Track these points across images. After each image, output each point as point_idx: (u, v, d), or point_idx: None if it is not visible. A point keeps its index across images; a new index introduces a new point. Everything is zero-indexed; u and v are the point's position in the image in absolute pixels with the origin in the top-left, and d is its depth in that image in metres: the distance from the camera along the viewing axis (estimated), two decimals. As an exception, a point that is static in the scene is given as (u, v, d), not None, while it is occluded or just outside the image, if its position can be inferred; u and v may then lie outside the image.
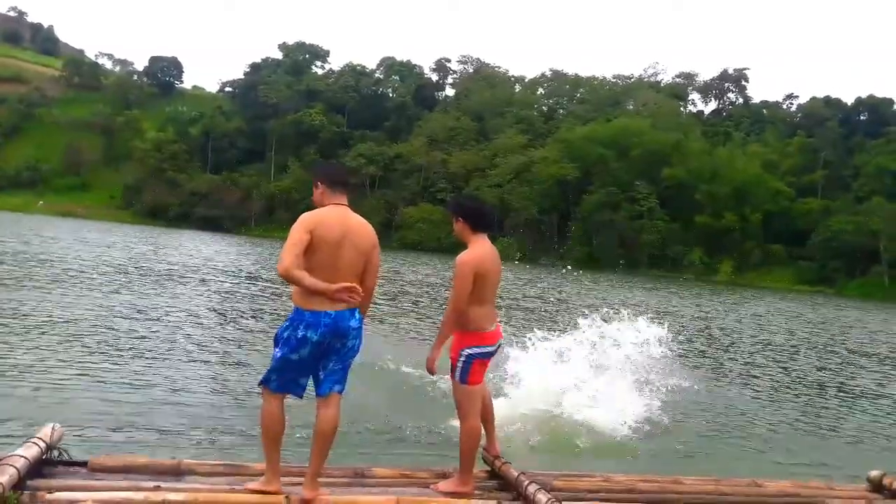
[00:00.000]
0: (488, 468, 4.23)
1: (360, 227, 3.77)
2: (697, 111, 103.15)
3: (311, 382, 3.80)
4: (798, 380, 12.45)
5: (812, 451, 7.32)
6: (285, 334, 3.69)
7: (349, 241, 3.68)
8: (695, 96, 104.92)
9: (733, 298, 39.18)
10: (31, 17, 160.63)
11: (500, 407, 6.23)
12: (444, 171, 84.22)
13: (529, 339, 7.69)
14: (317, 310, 3.61)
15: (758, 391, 10.80)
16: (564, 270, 46.44)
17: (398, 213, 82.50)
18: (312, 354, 3.66)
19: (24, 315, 10.61)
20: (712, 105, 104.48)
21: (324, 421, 3.68)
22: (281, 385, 3.73)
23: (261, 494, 3.60)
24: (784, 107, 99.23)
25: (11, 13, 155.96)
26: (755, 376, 12.24)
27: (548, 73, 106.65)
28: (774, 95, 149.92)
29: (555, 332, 7.92)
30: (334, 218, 3.71)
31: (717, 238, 73.07)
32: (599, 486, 4.02)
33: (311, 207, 3.82)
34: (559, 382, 7.09)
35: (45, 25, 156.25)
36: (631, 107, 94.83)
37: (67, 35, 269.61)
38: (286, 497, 3.58)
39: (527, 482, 3.74)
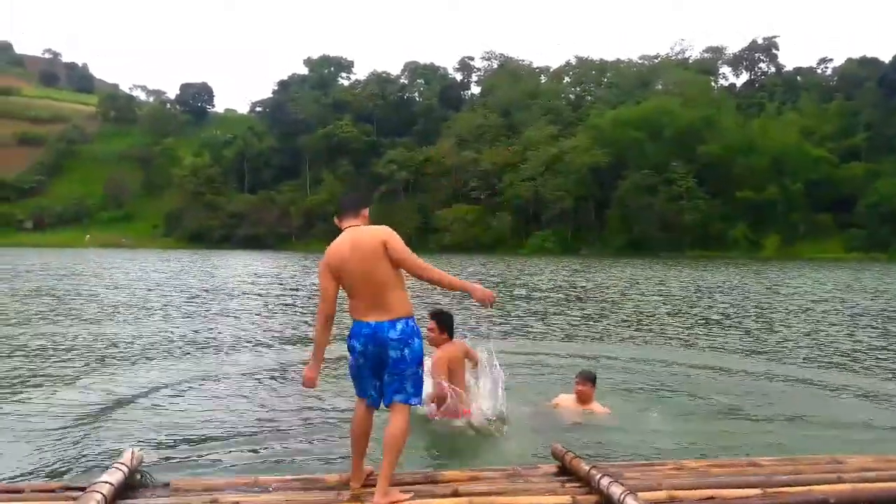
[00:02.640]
0: (558, 463, 4.22)
1: (362, 236, 3.89)
2: (729, 85, 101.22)
3: None
4: (867, 349, 12.05)
5: (892, 422, 7.02)
6: (347, 343, 3.95)
7: (357, 256, 3.83)
8: (725, 70, 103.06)
9: (781, 272, 38.28)
10: (66, 57, 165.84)
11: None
12: (475, 170, 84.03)
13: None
14: (359, 320, 3.85)
15: (824, 364, 10.50)
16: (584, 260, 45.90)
17: (433, 216, 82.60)
18: (367, 363, 3.86)
19: (95, 341, 10.97)
20: (744, 77, 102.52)
21: (388, 430, 3.82)
22: (359, 391, 4.00)
23: (337, 501, 3.73)
24: (819, 72, 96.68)
25: (47, 55, 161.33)
26: (820, 350, 11.91)
27: (572, 61, 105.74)
28: (807, 61, 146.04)
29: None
30: (339, 243, 3.92)
31: (760, 212, 71.46)
32: (671, 474, 3.98)
33: None
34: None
35: (80, 64, 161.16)
36: (660, 87, 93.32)
37: (102, 71, 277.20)
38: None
39: (599, 475, 3.72)
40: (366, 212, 4.07)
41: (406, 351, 3.82)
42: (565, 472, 4.09)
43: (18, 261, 42.36)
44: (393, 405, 3.86)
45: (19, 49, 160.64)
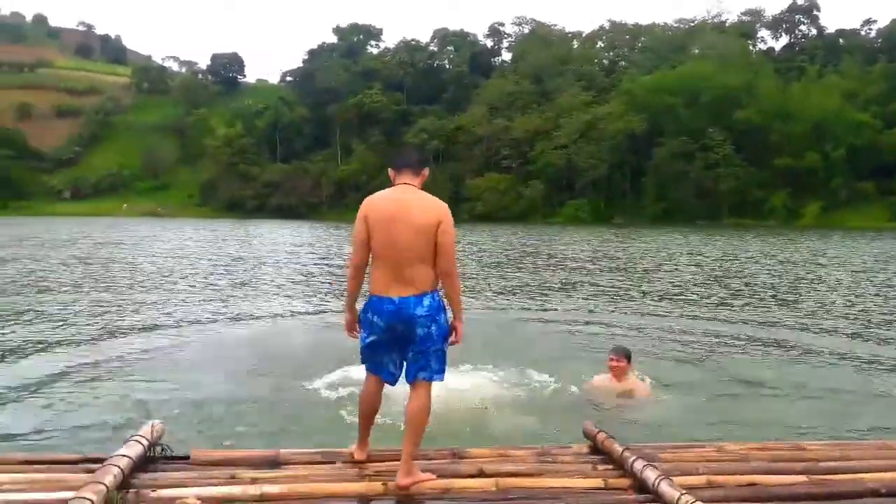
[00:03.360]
0: (590, 443, 4.05)
1: (420, 203, 3.57)
2: (767, 48, 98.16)
3: None
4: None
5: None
6: (361, 317, 3.72)
7: (403, 218, 3.53)
8: (764, 33, 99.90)
9: (822, 241, 37.32)
10: (99, 30, 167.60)
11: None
12: (507, 139, 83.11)
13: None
14: (381, 295, 3.58)
15: (875, 340, 10.07)
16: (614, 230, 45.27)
17: (464, 185, 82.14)
18: (388, 339, 3.64)
19: (124, 313, 11.09)
20: (783, 40, 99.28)
21: (410, 407, 3.64)
22: (372, 367, 3.76)
23: (359, 477, 3.63)
24: (862, 33, 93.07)
25: (81, 27, 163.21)
26: (867, 325, 11.43)
27: (606, 26, 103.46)
28: (851, 23, 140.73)
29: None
30: (387, 197, 3.63)
31: (799, 179, 69.64)
32: (710, 457, 3.78)
33: (379, 188, 3.81)
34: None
35: (113, 36, 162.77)
36: (696, 51, 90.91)
37: (134, 43, 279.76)
38: (384, 483, 3.53)
39: (632, 458, 3.54)
40: (426, 172, 3.75)
41: (433, 328, 3.59)
42: (597, 451, 3.92)
43: (59, 229, 43.29)
44: (416, 383, 3.66)
45: (54, 21, 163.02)
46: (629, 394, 6.42)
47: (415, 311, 3.54)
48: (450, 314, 3.71)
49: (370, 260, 3.67)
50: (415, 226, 3.51)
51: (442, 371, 3.72)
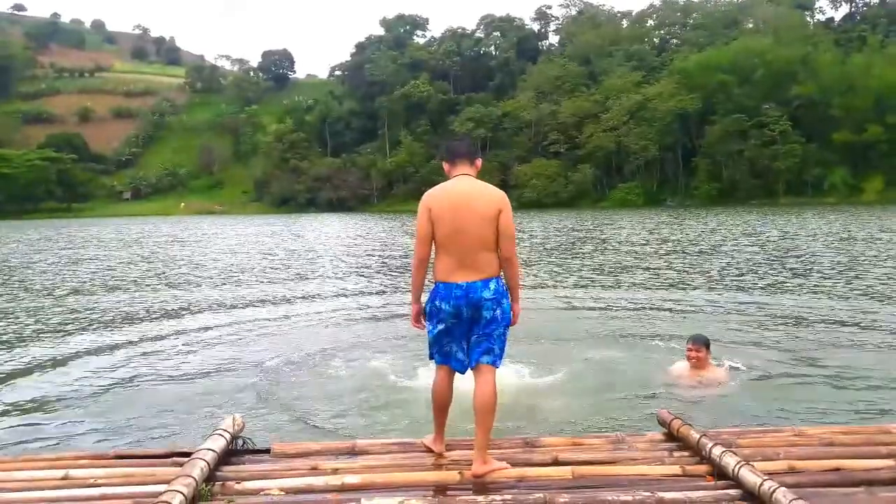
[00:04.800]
0: (665, 430, 4.01)
1: (481, 192, 3.70)
2: (827, 19, 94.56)
3: None
4: None
5: None
6: (427, 307, 3.79)
7: (466, 206, 3.64)
8: (822, 3, 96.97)
9: (888, 217, 35.86)
10: (154, 32, 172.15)
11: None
12: (554, 123, 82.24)
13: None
14: (448, 281, 3.66)
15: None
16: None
17: (512, 172, 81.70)
18: (455, 325, 3.70)
19: (194, 310, 11.45)
20: (843, 10, 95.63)
21: (478, 394, 3.68)
22: (441, 358, 3.82)
23: (435, 466, 3.70)
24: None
25: (137, 31, 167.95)
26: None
27: (656, 3, 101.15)
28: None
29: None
30: (449, 189, 3.72)
31: (860, 154, 67.09)
32: (791, 442, 3.70)
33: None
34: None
35: (167, 38, 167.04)
36: (750, 25, 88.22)
37: (188, 43, 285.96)
38: (460, 472, 3.58)
39: (710, 444, 3.49)
40: (479, 161, 3.89)
41: (498, 311, 3.68)
42: (673, 438, 3.88)
43: (129, 229, 44.79)
44: (480, 367, 3.71)
45: (111, 26, 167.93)
46: (709, 382, 6.27)
47: (482, 294, 3.63)
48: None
49: (434, 250, 3.75)
50: (479, 213, 3.62)
51: (502, 356, 3.79)
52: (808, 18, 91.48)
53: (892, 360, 7.16)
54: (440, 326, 3.74)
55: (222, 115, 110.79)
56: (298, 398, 6.11)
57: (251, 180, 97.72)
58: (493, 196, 3.70)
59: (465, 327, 3.72)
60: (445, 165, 3.85)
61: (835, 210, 46.90)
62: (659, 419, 4.13)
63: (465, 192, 3.68)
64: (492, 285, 3.66)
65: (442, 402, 3.86)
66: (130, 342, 8.95)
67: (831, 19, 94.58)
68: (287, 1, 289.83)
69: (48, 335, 9.68)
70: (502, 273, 3.75)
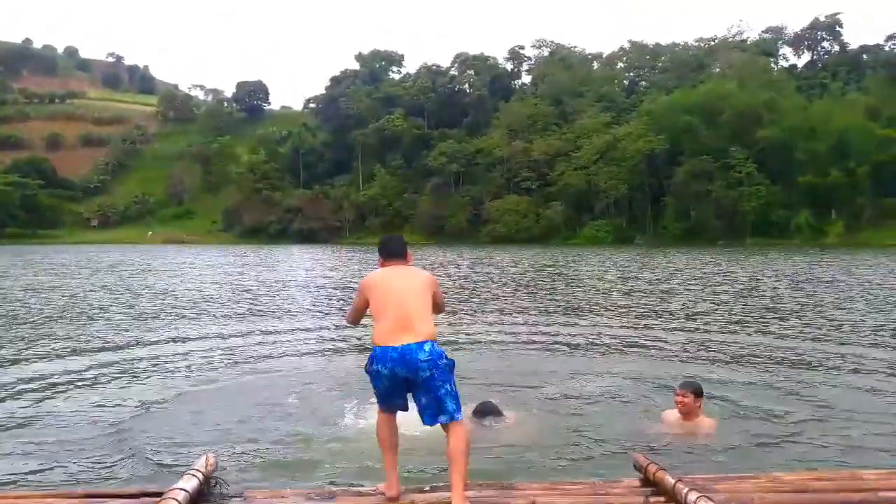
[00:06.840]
0: (641, 475, 4.02)
1: (416, 272, 4.18)
2: (790, 66, 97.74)
3: None
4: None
5: None
6: (366, 368, 3.99)
7: (403, 279, 4.06)
8: (786, 50, 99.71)
9: (843, 262, 36.67)
10: (128, 60, 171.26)
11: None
12: (526, 160, 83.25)
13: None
14: (384, 345, 3.85)
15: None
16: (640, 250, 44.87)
17: (484, 207, 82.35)
18: (393, 385, 3.87)
19: (166, 343, 11.23)
20: (805, 57, 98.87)
21: (451, 448, 3.80)
22: (386, 408, 4.02)
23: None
24: (887, 49, 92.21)
25: (110, 59, 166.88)
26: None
27: (626, 46, 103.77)
28: (874, 38, 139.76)
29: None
30: (385, 271, 4.18)
31: (823, 197, 68.78)
32: (766, 488, 3.73)
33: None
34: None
35: (141, 66, 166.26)
36: (717, 70, 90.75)
37: (162, 72, 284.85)
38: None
39: (686, 489, 3.52)
40: (411, 254, 4.35)
41: (436, 371, 3.82)
42: (649, 483, 3.89)
43: (98, 257, 43.93)
44: (444, 426, 3.86)
45: (84, 53, 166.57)
46: (695, 433, 5.99)
47: (417, 355, 3.80)
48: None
49: (373, 318, 4.03)
50: (415, 284, 4.04)
51: (460, 409, 3.92)
52: (773, 64, 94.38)
53: (861, 404, 7.23)
54: (378, 386, 3.92)
55: (194, 144, 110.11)
56: (273, 441, 5.93)
57: (221, 211, 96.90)
58: (424, 273, 4.19)
59: (403, 387, 3.88)
60: (380, 261, 4.26)
61: (802, 252, 47.88)
62: (635, 464, 4.14)
63: (400, 271, 4.14)
64: (427, 346, 3.83)
65: (384, 442, 3.98)
66: (92, 379, 8.68)
67: (794, 66, 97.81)
68: (263, 33, 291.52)
69: (7, 363, 9.42)
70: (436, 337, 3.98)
